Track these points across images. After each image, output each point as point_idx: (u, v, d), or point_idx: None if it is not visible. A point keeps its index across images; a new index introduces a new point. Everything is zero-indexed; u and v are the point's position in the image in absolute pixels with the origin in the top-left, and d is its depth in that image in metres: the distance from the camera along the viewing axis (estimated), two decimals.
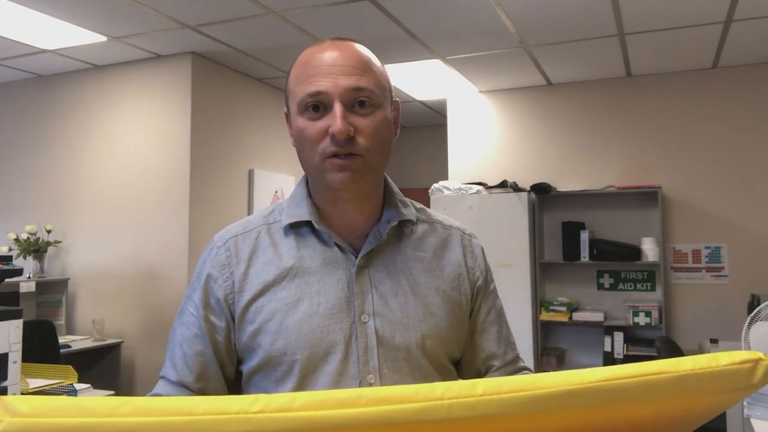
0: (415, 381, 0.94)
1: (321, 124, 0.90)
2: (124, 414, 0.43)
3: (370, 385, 0.91)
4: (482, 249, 1.10)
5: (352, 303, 0.93)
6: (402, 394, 0.43)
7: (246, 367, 0.96)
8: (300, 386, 0.91)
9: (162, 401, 0.44)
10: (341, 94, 0.89)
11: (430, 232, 1.05)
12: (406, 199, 1.06)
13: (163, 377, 0.97)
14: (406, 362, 0.93)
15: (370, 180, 0.95)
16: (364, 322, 0.93)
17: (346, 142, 0.88)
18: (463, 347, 1.04)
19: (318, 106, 0.90)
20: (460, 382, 0.44)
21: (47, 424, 0.42)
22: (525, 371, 1.07)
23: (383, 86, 0.95)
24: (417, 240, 1.02)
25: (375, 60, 0.96)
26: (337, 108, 0.88)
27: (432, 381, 0.95)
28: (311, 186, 1.00)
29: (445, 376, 1.00)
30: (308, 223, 0.97)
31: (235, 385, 1.01)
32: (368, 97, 0.90)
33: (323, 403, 0.42)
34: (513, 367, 1.07)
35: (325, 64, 0.91)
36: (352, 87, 0.89)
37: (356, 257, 0.96)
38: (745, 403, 2.27)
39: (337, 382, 0.90)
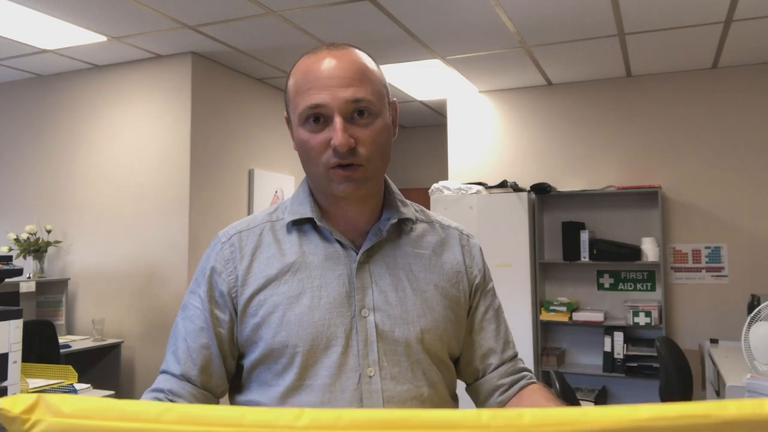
0: (414, 375, 0.95)
1: (322, 136, 0.92)
2: (168, 421, 0.42)
3: (370, 377, 0.92)
4: (480, 249, 1.12)
5: (352, 298, 0.95)
6: (448, 419, 0.44)
7: (247, 361, 0.97)
8: (300, 378, 0.92)
9: (207, 410, 0.44)
10: (340, 106, 0.90)
11: (429, 231, 1.07)
12: (406, 200, 1.08)
13: (164, 371, 0.97)
14: (406, 356, 0.95)
15: (372, 185, 0.97)
16: (365, 317, 0.94)
17: (348, 153, 0.90)
18: (461, 344, 1.05)
19: (318, 117, 0.92)
20: (506, 410, 0.45)
21: (88, 426, 0.41)
22: (524, 372, 1.08)
23: (381, 93, 0.96)
24: (416, 238, 1.04)
25: (372, 66, 0.97)
26: (338, 121, 0.90)
27: (430, 375, 0.97)
28: (313, 186, 1.02)
29: (443, 372, 1.01)
30: (310, 220, 0.99)
31: (234, 380, 1.02)
32: (367, 106, 0.92)
33: (369, 422, 0.43)
34: (512, 366, 1.07)
35: (323, 76, 0.92)
36: (350, 99, 0.91)
37: (357, 253, 0.97)
38: None
39: (338, 375, 0.92)
